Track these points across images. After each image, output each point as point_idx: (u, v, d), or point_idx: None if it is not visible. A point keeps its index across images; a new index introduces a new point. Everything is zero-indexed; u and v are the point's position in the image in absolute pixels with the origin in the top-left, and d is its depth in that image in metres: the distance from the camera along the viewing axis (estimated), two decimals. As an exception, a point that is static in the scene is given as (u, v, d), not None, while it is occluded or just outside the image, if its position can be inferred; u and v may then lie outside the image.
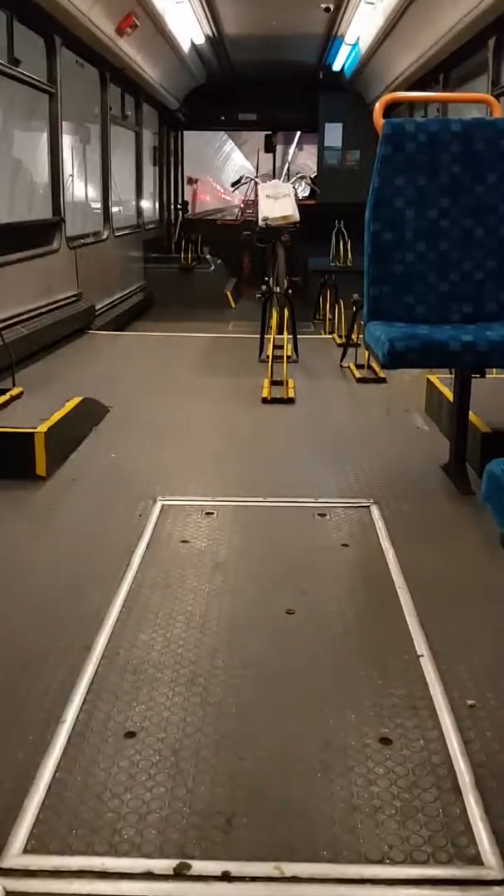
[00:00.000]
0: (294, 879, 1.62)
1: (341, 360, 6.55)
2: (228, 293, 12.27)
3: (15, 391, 4.71)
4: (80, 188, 10.75)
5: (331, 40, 11.26)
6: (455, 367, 3.75)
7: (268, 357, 6.26)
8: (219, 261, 12.73)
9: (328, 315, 9.28)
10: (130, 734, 2.03)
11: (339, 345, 7.02)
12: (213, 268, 12.48)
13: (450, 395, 4.09)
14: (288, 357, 6.37)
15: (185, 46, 10.78)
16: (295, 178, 8.42)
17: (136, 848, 1.69)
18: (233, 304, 12.16)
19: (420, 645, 2.43)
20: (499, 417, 4.04)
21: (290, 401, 5.38)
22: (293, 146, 23.98)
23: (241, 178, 8.77)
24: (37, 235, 7.39)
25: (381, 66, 10.68)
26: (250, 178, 9.06)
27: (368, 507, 3.52)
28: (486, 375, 3.72)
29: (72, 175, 9.93)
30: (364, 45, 10.31)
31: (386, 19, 8.66)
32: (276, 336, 6.65)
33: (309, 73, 13.17)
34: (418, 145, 3.58)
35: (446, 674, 2.28)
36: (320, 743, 2.00)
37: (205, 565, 2.98)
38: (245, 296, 12.65)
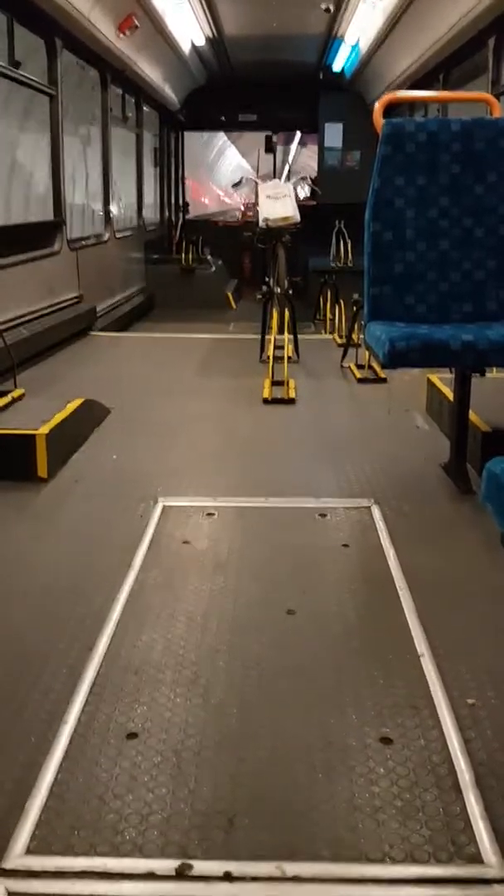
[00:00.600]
0: (295, 879, 1.62)
1: (342, 361, 6.56)
2: (229, 294, 12.28)
3: (16, 393, 4.71)
4: (82, 189, 10.75)
5: (331, 41, 11.27)
6: (455, 367, 3.75)
7: (268, 357, 6.26)
8: (219, 262, 12.74)
9: (329, 315, 9.28)
10: (132, 735, 2.04)
11: (340, 345, 7.03)
12: (213, 269, 12.49)
13: (450, 394, 4.09)
14: (289, 357, 6.37)
15: (186, 47, 10.79)
16: (295, 179, 8.43)
17: (138, 848, 1.69)
18: (233, 305, 12.17)
19: (421, 644, 2.44)
20: (499, 417, 4.04)
21: (291, 401, 5.39)
22: (294, 145, 23.97)
23: (241, 178, 8.78)
24: (38, 237, 7.40)
25: (381, 67, 10.69)
26: (250, 178, 9.06)
27: (369, 507, 3.53)
28: (487, 375, 3.73)
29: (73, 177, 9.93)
30: (364, 46, 10.32)
31: (386, 19, 8.67)
32: (277, 336, 6.65)
33: (309, 73, 13.18)
34: (418, 145, 3.59)
35: (447, 673, 2.28)
36: (321, 743, 2.01)
37: (206, 566, 2.98)
38: (246, 296, 12.65)
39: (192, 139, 16.84)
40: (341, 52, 11.50)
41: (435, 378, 4.85)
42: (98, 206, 10.01)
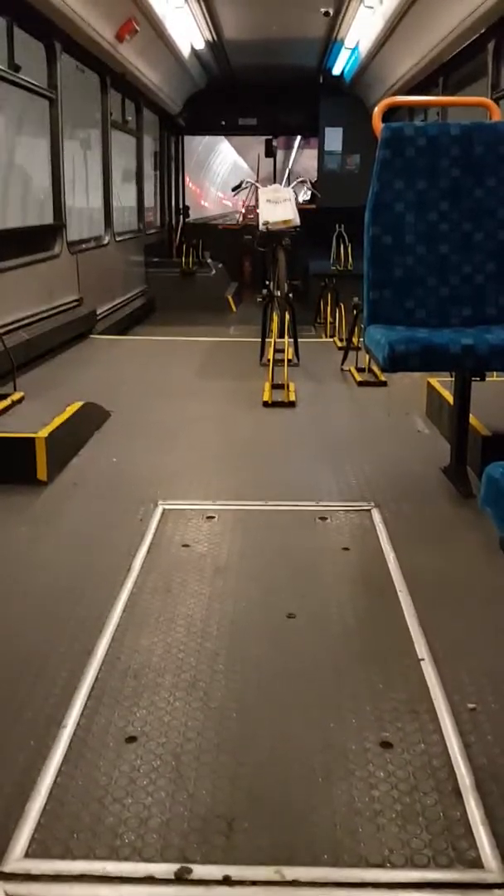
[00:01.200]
0: (295, 883, 1.62)
1: (342, 364, 6.56)
2: (229, 297, 12.29)
3: (16, 396, 4.71)
4: (82, 193, 10.76)
5: (330, 44, 11.29)
6: (455, 371, 3.75)
7: (269, 361, 6.27)
8: (220, 265, 12.75)
9: (329, 319, 9.29)
10: (131, 739, 2.04)
11: (340, 348, 7.03)
12: (214, 272, 12.50)
13: (450, 398, 4.09)
14: (289, 360, 6.38)
15: (186, 51, 10.81)
16: (295, 182, 8.44)
17: (138, 852, 1.69)
18: (234, 308, 12.17)
19: (421, 648, 2.43)
20: (499, 420, 4.04)
21: (291, 404, 5.39)
22: (294, 149, 23.97)
23: (241, 182, 8.79)
24: (38, 240, 7.41)
25: (380, 70, 10.70)
26: (251, 182, 9.08)
27: (369, 510, 3.53)
28: (486, 378, 3.73)
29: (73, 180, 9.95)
30: (364, 50, 10.33)
31: (385, 23, 8.68)
32: (277, 340, 6.66)
33: (309, 77, 13.20)
34: (418, 149, 3.59)
35: (447, 677, 2.28)
36: (321, 747, 2.01)
37: (206, 569, 2.98)
38: (246, 300, 12.67)
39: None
40: (341, 56, 11.52)
41: (435, 381, 4.85)
42: (98, 210, 10.01)
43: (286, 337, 6.70)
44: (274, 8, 9.63)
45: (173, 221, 14.92)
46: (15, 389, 4.88)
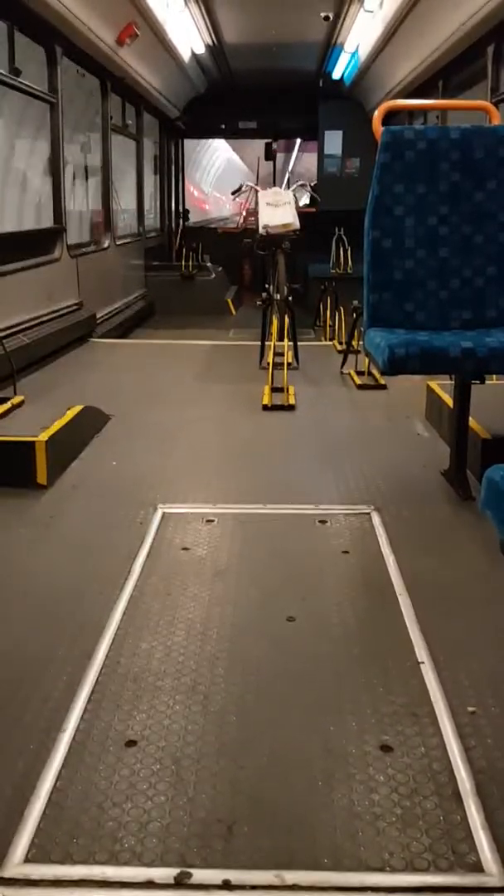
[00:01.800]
0: (295, 888, 1.62)
1: (342, 367, 6.56)
2: (229, 300, 12.30)
3: (16, 400, 4.71)
4: (82, 196, 10.78)
5: (330, 48, 11.32)
6: (455, 374, 3.75)
7: (268, 364, 6.27)
8: (219, 268, 12.77)
9: (328, 322, 9.30)
10: (131, 743, 2.03)
11: (340, 351, 7.03)
12: (213, 275, 12.51)
13: (450, 401, 4.09)
14: (288, 364, 6.38)
15: (186, 55, 10.83)
16: (295, 186, 8.46)
17: (137, 857, 1.68)
18: (233, 312, 12.18)
19: (421, 652, 2.43)
20: (499, 423, 4.04)
21: (291, 407, 5.39)
22: (295, 151, 23.97)
23: (241, 185, 8.80)
24: (38, 244, 7.41)
25: (380, 74, 10.73)
26: (250, 185, 9.09)
27: (369, 513, 3.52)
28: (486, 381, 3.73)
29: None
30: (363, 53, 10.36)
31: (385, 27, 8.70)
32: (277, 343, 6.66)
33: (309, 81, 13.22)
34: (417, 153, 3.60)
35: (447, 681, 2.28)
36: (321, 750, 2.00)
37: (205, 573, 2.98)
38: (246, 303, 12.68)
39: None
40: (341, 60, 11.55)
41: (435, 385, 4.85)
42: (98, 213, 10.04)
43: (286, 340, 6.70)
44: (274, 12, 9.65)
45: (173, 225, 14.94)
46: (15, 393, 4.88)
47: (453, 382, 3.87)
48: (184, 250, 12.91)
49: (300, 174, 18.97)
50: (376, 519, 3.46)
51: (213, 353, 7.54)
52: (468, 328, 3.61)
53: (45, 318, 6.97)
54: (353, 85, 12.24)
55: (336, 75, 12.37)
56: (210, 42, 10.94)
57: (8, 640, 2.54)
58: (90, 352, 7.62)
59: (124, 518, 3.48)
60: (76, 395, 5.07)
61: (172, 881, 1.63)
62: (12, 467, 3.87)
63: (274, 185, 12.21)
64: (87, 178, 10.96)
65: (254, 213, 7.63)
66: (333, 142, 13.68)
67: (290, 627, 2.60)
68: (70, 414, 4.40)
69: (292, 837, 1.73)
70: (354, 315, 6.14)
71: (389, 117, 4.55)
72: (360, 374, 6.21)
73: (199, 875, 1.64)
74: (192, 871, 1.65)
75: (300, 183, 8.78)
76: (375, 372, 6.00)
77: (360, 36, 9.83)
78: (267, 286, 7.12)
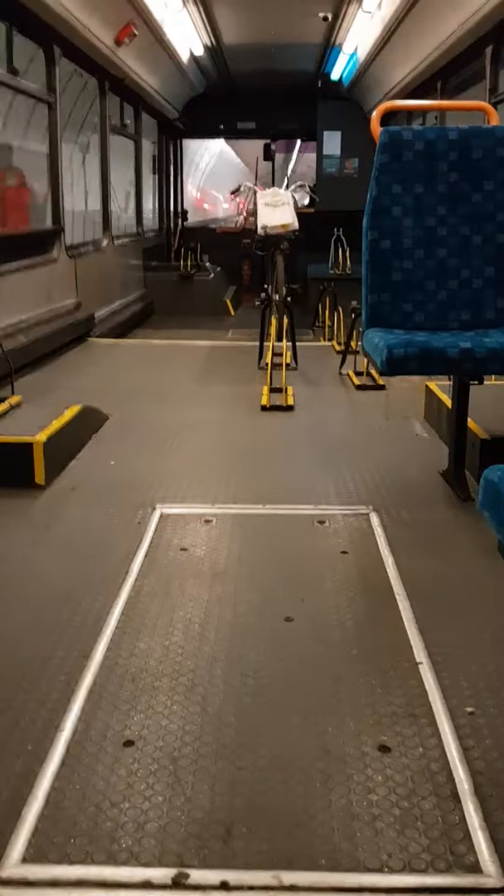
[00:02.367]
0: (293, 888, 1.62)
1: (340, 368, 6.56)
2: (228, 301, 12.30)
3: (14, 400, 4.71)
4: (80, 197, 10.78)
5: (329, 49, 11.32)
6: (453, 374, 3.75)
7: (267, 364, 6.27)
8: (218, 268, 12.77)
9: (327, 322, 9.30)
10: (129, 743, 2.03)
11: (339, 352, 7.03)
12: (212, 275, 12.51)
13: (448, 401, 4.09)
14: (287, 364, 6.38)
15: (184, 56, 10.83)
16: (294, 186, 8.46)
17: (135, 857, 1.68)
18: (232, 312, 12.18)
19: (419, 652, 2.43)
20: (497, 424, 4.04)
21: (290, 408, 5.39)
22: (295, 151, 23.94)
23: (239, 185, 8.80)
24: (36, 244, 7.41)
25: (379, 75, 10.73)
26: (249, 185, 9.09)
27: (367, 514, 3.52)
28: (485, 382, 3.73)
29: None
30: (362, 54, 10.36)
31: (384, 28, 8.71)
32: (276, 343, 6.66)
33: (307, 81, 13.23)
34: (416, 153, 3.60)
35: (445, 681, 2.28)
36: (319, 751, 2.00)
37: (204, 573, 2.98)
38: (244, 303, 12.69)
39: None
40: (339, 61, 11.55)
41: (433, 385, 4.85)
42: (96, 214, 10.03)
43: (284, 341, 6.70)
44: (273, 13, 9.65)
45: (172, 225, 14.94)
46: (13, 393, 4.88)
47: (452, 383, 3.87)
48: (182, 250, 12.92)
49: (302, 174, 18.94)
50: (375, 519, 3.46)
51: (211, 354, 7.54)
52: (466, 329, 3.61)
53: (43, 318, 6.96)
54: (352, 85, 12.25)
55: (335, 76, 12.37)
56: (209, 42, 10.94)
57: (6, 641, 2.53)
58: (88, 352, 7.61)
59: (122, 518, 3.48)
60: (74, 396, 5.07)
61: (170, 882, 1.62)
62: (10, 467, 3.87)
63: (273, 185, 12.22)
64: (85, 178, 10.96)
65: (253, 213, 7.62)
66: (332, 142, 13.68)
67: (289, 628, 2.60)
68: (68, 414, 4.39)
69: (290, 838, 1.73)
70: (353, 315, 6.14)
71: (388, 118, 4.56)
72: (358, 374, 6.21)
73: (197, 876, 1.64)
74: (189, 871, 1.64)
75: (299, 183, 8.78)
76: (374, 372, 6.00)
77: (359, 37, 9.83)
78: (266, 286, 7.12)
